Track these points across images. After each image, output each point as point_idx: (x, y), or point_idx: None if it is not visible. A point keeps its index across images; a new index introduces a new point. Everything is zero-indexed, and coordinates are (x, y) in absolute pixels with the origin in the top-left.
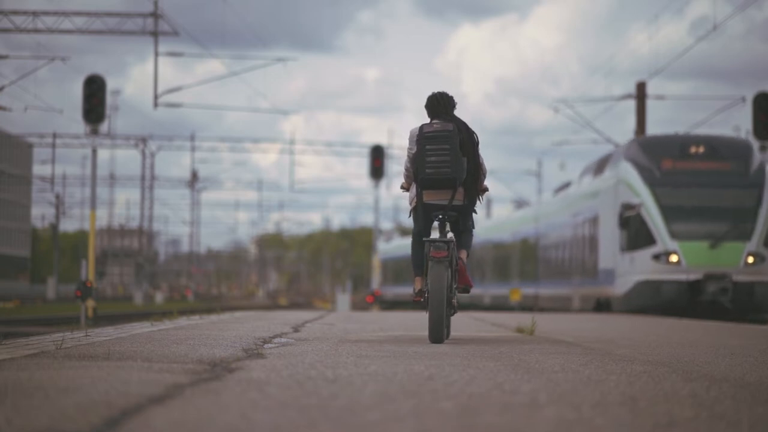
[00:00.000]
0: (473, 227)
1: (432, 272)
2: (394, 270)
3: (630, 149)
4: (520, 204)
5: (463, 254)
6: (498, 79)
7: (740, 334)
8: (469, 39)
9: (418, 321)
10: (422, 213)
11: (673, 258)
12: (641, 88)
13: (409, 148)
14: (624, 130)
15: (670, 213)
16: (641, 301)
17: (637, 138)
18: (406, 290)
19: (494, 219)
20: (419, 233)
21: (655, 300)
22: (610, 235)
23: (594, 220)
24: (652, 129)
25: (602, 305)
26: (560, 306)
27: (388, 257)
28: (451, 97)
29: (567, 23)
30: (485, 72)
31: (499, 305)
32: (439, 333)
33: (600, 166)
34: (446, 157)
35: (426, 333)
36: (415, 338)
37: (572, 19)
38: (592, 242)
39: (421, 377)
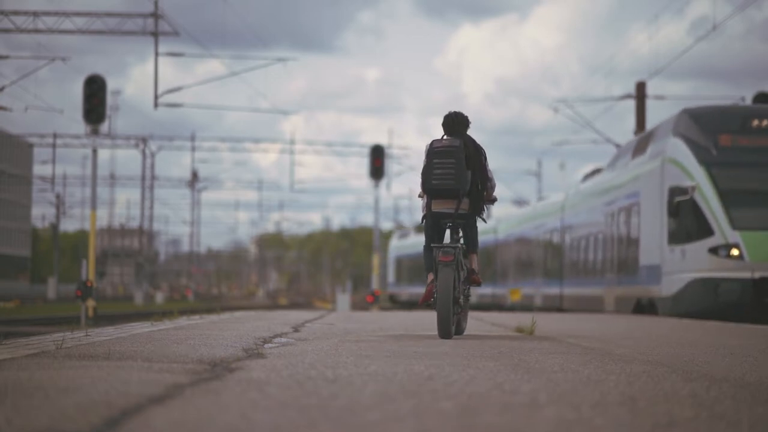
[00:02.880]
0: (476, 235)
1: (440, 274)
2: (409, 268)
3: (680, 122)
4: (520, 204)
5: (474, 259)
6: (498, 79)
7: (740, 334)
8: (469, 39)
9: (418, 321)
10: (431, 220)
11: (734, 252)
12: (641, 88)
13: (424, 160)
14: (624, 130)
15: (730, 198)
16: (695, 303)
17: (688, 109)
18: (423, 290)
19: (515, 212)
20: (430, 242)
21: (711, 302)
22: (654, 226)
23: (633, 209)
24: None
25: (644, 307)
26: (589, 308)
27: (403, 254)
28: (466, 117)
29: (567, 23)
30: (485, 72)
31: (523, 306)
32: (446, 329)
33: (640, 145)
34: (451, 170)
35: (426, 333)
36: (415, 338)
37: (572, 19)
38: (631, 234)
39: (421, 377)
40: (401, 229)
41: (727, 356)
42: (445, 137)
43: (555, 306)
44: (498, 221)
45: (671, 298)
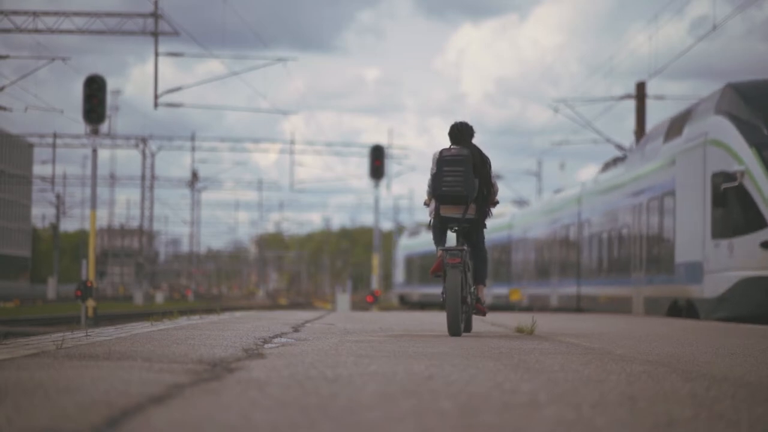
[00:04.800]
0: (483, 241)
1: (448, 276)
2: (421, 267)
3: (724, 99)
4: (520, 204)
5: (482, 290)
6: (498, 79)
7: (740, 334)
8: (469, 39)
9: (418, 321)
10: (439, 224)
11: None
12: (641, 88)
13: (432, 168)
14: (624, 130)
15: None
16: (745, 306)
17: (734, 83)
18: (436, 290)
19: (531, 207)
20: (437, 245)
21: (765, 304)
22: (694, 217)
23: (666, 199)
24: None
25: (681, 310)
26: (613, 309)
27: (414, 253)
28: (471, 127)
29: (567, 23)
30: (485, 72)
31: (541, 306)
32: (455, 327)
33: (675, 127)
34: (460, 178)
35: (426, 332)
36: (415, 338)
37: (572, 19)
38: (664, 227)
39: (421, 377)
40: (405, 229)
41: (728, 356)
42: (453, 147)
43: (572, 307)
44: (512, 217)
45: (716, 300)
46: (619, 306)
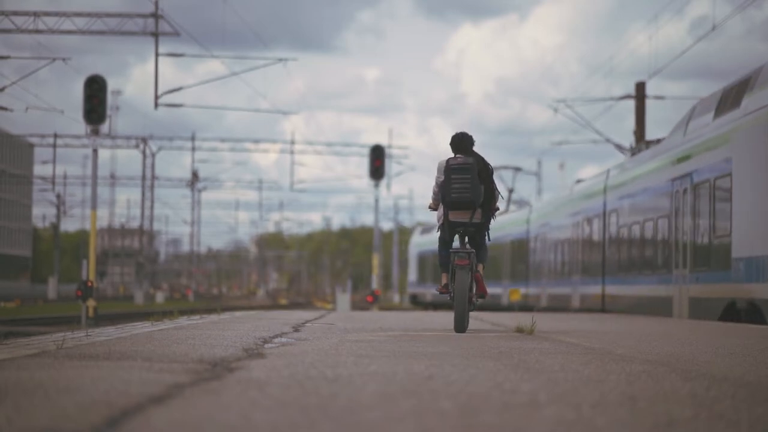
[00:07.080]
0: (489, 239)
1: (456, 277)
2: (434, 265)
3: None
4: (520, 204)
5: (480, 267)
6: (498, 79)
7: (740, 334)
8: (469, 39)
9: (418, 321)
10: (447, 228)
11: None
12: (641, 88)
13: (437, 177)
14: (624, 130)
15: None
16: None
17: None
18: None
19: (550, 199)
20: (444, 241)
21: None
22: (759, 203)
23: (719, 182)
24: (652, 129)
25: (739, 312)
26: (647, 310)
27: (427, 250)
28: (471, 136)
29: (567, 23)
30: (485, 72)
31: (563, 307)
32: (461, 325)
33: (729, 98)
34: (467, 185)
35: (426, 332)
36: (415, 338)
37: (572, 19)
38: (717, 215)
39: (421, 377)
40: (422, 224)
41: (727, 356)
42: (458, 156)
43: (596, 308)
44: (530, 210)
45: None
46: (655, 308)
